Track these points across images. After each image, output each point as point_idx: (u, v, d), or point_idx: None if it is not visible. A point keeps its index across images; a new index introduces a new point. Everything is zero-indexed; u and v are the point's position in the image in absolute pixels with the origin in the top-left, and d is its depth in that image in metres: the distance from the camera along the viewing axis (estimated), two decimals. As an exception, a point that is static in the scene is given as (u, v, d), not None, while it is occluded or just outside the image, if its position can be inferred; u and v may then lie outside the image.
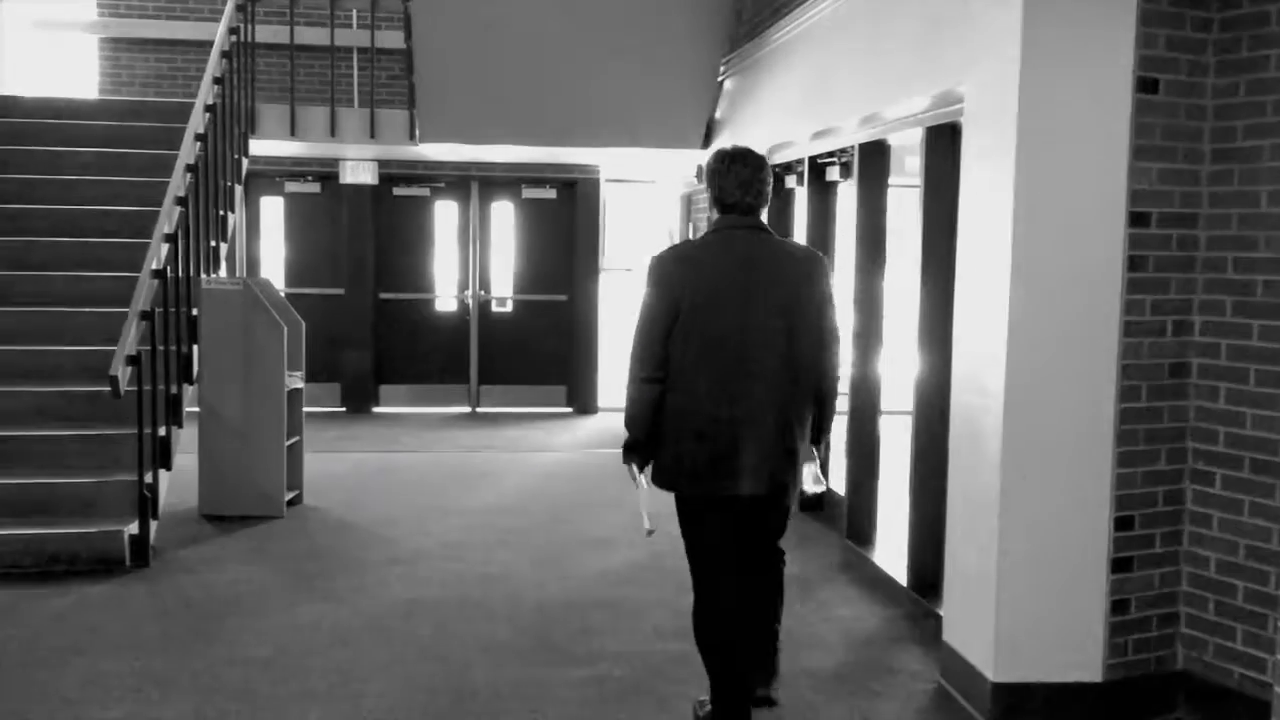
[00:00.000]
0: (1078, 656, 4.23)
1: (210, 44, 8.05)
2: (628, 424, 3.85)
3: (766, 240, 3.84)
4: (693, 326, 3.71)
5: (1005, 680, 4.20)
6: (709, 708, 3.97)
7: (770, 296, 3.75)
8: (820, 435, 3.95)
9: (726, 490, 3.73)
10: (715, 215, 3.87)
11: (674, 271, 3.77)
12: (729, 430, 3.69)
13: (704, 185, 4.28)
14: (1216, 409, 4.21)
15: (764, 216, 3.87)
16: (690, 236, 9.83)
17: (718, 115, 8.79)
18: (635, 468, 3.91)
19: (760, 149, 7.59)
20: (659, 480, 3.88)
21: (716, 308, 3.72)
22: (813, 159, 7.21)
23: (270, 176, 11.16)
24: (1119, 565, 4.23)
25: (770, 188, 3.93)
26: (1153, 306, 4.21)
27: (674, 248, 3.98)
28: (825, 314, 3.85)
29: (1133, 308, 4.17)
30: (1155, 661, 4.32)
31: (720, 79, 8.69)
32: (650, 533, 3.98)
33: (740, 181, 3.80)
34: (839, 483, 6.81)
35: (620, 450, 3.91)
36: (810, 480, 3.89)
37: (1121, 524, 4.22)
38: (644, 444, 3.85)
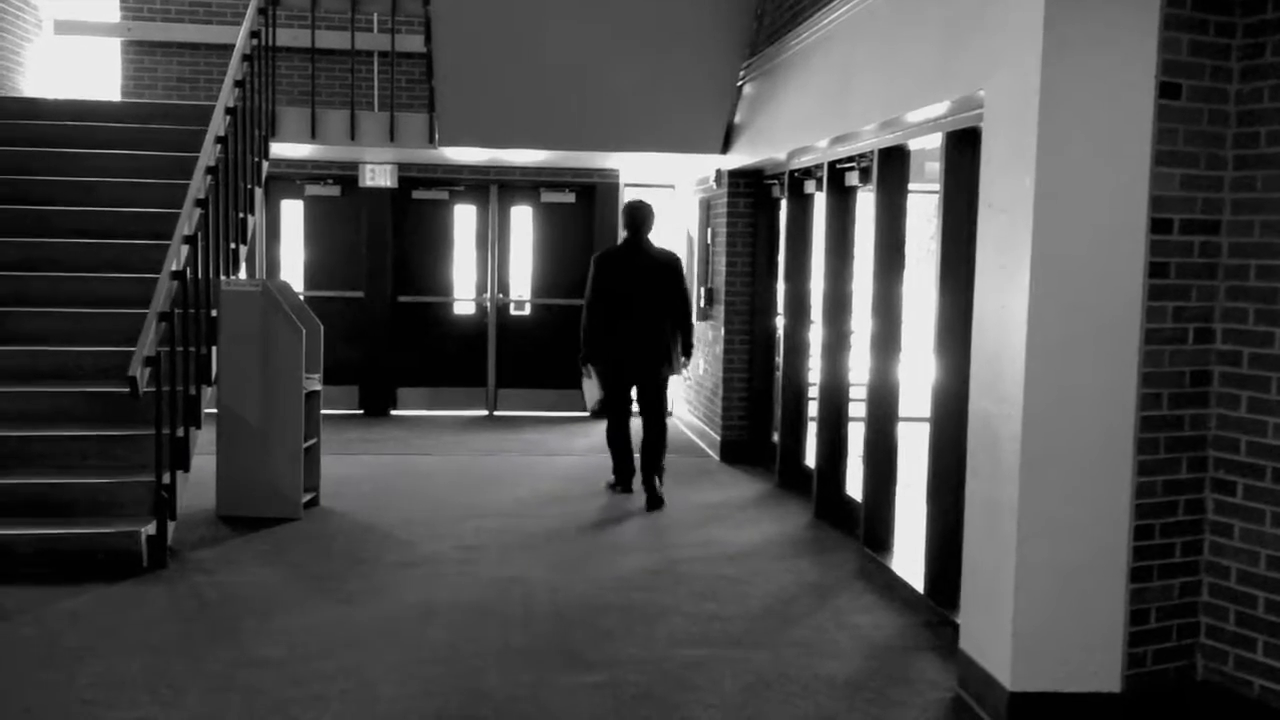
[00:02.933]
0: (1096, 666, 4.19)
1: (232, 47, 8.09)
2: (584, 345, 7.57)
3: (647, 250, 7.55)
4: (611, 298, 7.46)
5: (1023, 690, 4.17)
6: (612, 478, 7.98)
7: (648, 281, 7.47)
8: (687, 349, 7.73)
9: (627, 373, 7.55)
10: (623, 234, 7.71)
11: (602, 267, 7.53)
12: (628, 349, 7.49)
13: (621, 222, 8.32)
14: (1238, 417, 4.17)
15: (650, 235, 7.59)
16: (708, 241, 9.82)
17: (737, 120, 8.77)
18: (589, 367, 7.59)
19: (779, 154, 7.69)
20: (599, 371, 7.56)
21: (621, 288, 7.46)
22: (832, 164, 7.18)
23: (290, 179, 11.21)
24: (1138, 575, 4.19)
25: (650, 221, 7.59)
26: (1174, 314, 4.17)
27: (604, 252, 7.67)
28: (680, 290, 7.56)
29: (1154, 315, 4.14)
30: (1175, 672, 4.28)
31: (739, 84, 8.68)
32: (593, 410, 7.78)
33: (632, 221, 7.58)
34: (856, 489, 6.79)
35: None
36: (679, 368, 7.70)
37: (1141, 533, 4.18)
38: (590, 356, 7.55)
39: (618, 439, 7.76)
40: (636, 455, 7.77)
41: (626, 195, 11.67)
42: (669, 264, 7.53)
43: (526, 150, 9.59)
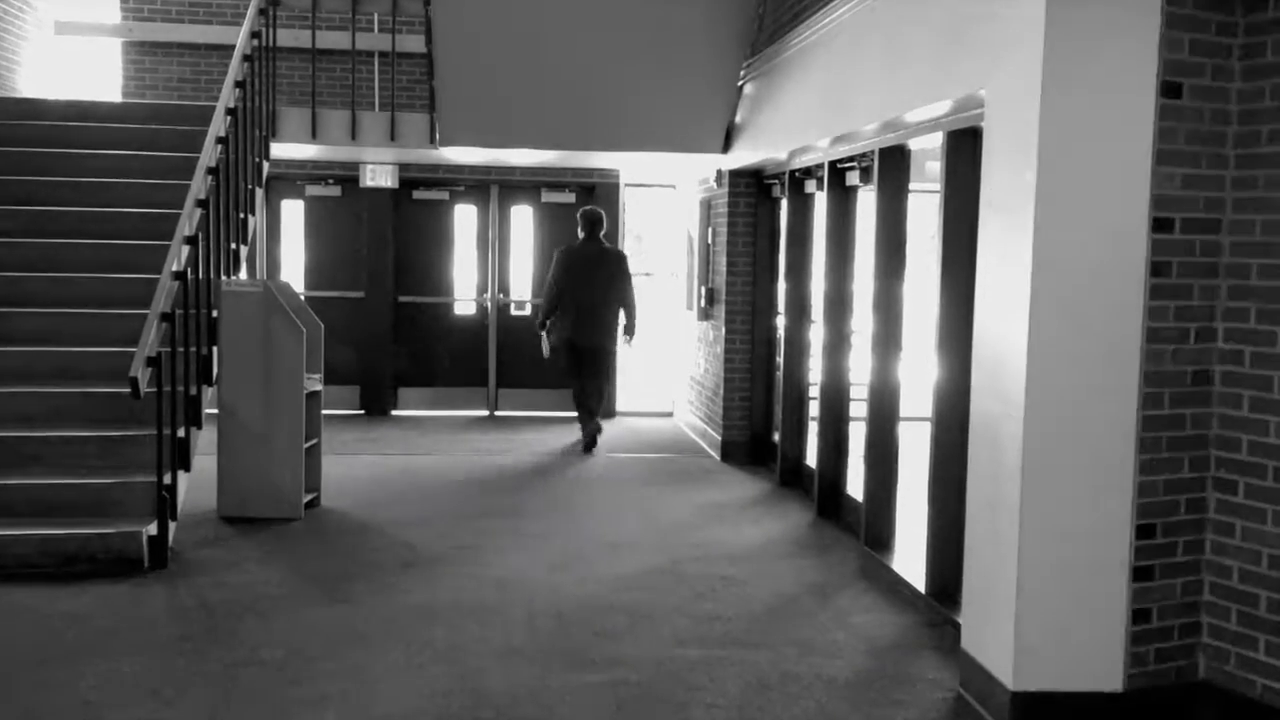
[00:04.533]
0: (1098, 666, 4.19)
1: (232, 48, 8.08)
2: (542, 316, 9.49)
3: (598, 246, 9.44)
4: (566, 284, 9.29)
5: (1025, 689, 4.17)
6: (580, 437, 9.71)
7: (598, 272, 9.31)
8: (630, 329, 9.57)
9: (578, 345, 9.32)
10: (581, 232, 9.52)
11: (563, 259, 9.38)
12: (580, 327, 9.27)
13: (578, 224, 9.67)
14: (1240, 417, 4.16)
15: (602, 233, 9.50)
16: (709, 241, 9.83)
17: (737, 120, 8.77)
18: (544, 333, 9.48)
19: (780, 153, 7.70)
20: (555, 339, 9.41)
21: (576, 276, 9.29)
22: (833, 164, 7.18)
23: (291, 179, 11.21)
24: (1140, 574, 4.19)
25: (603, 223, 9.50)
26: (1176, 313, 4.17)
27: (566, 247, 9.53)
28: (626, 280, 9.44)
29: (1155, 314, 4.13)
30: (1176, 672, 4.28)
31: (740, 83, 8.68)
32: (547, 357, 9.65)
33: (589, 222, 9.44)
34: (857, 489, 6.79)
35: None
36: (622, 343, 9.67)
37: (1143, 532, 4.18)
38: (544, 324, 9.47)
39: (576, 394, 9.63)
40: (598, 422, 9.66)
41: (627, 195, 11.70)
42: (618, 258, 9.55)
43: (527, 150, 9.58)
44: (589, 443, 9.53)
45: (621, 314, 9.51)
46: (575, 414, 9.87)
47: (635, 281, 9.65)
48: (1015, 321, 4.18)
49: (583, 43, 8.56)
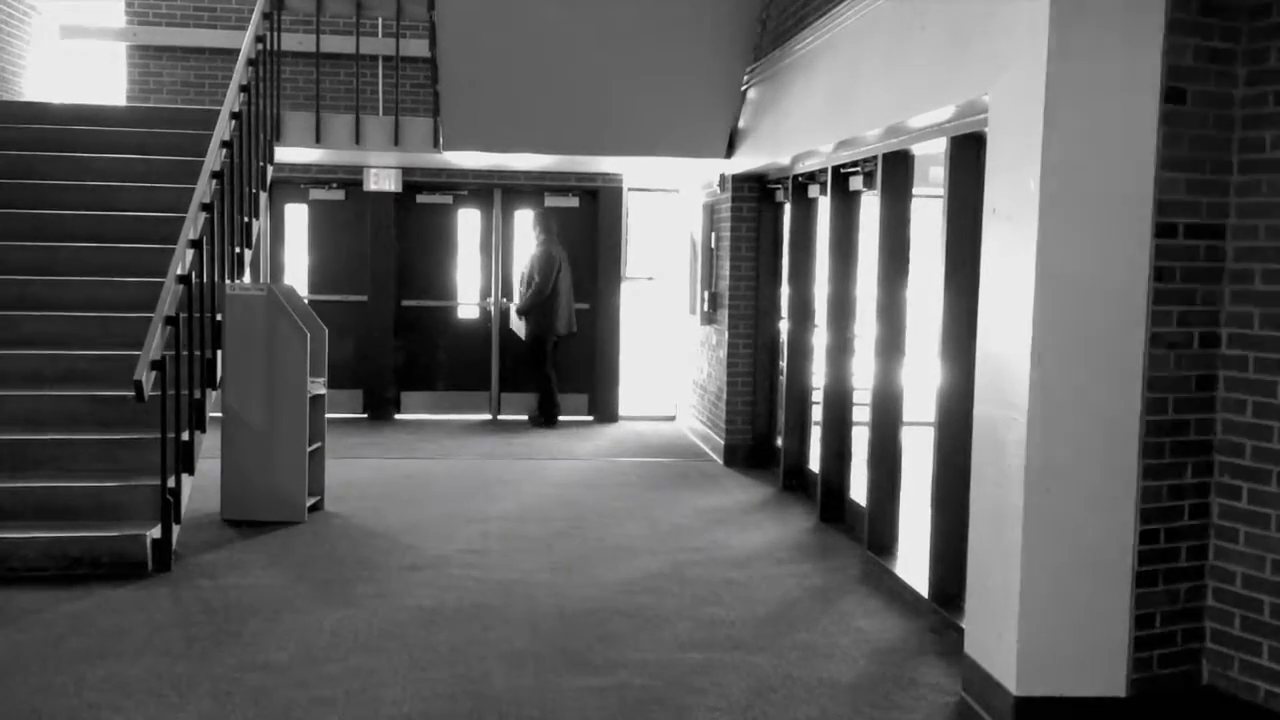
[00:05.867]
0: (1101, 671, 4.19)
1: (237, 52, 8.10)
2: (530, 306, 10.75)
3: (559, 246, 10.85)
4: (555, 282, 10.75)
5: (1028, 694, 4.17)
6: (537, 413, 11.18)
7: (565, 268, 10.81)
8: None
9: (560, 331, 10.89)
10: (543, 234, 10.86)
11: (551, 260, 10.66)
12: (563, 315, 10.86)
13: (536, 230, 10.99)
14: (1243, 422, 4.17)
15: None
16: (712, 245, 9.85)
17: (740, 124, 8.78)
18: (523, 320, 10.83)
19: (783, 158, 7.72)
20: (534, 328, 10.80)
21: (559, 273, 10.76)
22: (836, 169, 7.19)
23: (295, 184, 11.22)
24: (1144, 579, 4.19)
25: (553, 225, 10.93)
26: (1179, 318, 4.17)
27: (547, 250, 10.72)
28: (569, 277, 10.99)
29: (1159, 319, 4.14)
30: (1180, 677, 4.28)
31: (743, 88, 8.69)
32: (518, 332, 10.98)
33: (547, 224, 10.87)
34: (860, 494, 6.79)
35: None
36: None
37: (1146, 537, 4.18)
38: (526, 312, 10.84)
39: (553, 383, 11.03)
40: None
41: (630, 199, 11.71)
42: (566, 256, 10.98)
43: (530, 155, 9.59)
44: (553, 418, 11.07)
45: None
46: (543, 400, 11.08)
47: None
48: (1019, 326, 4.18)
49: (586, 48, 8.57)
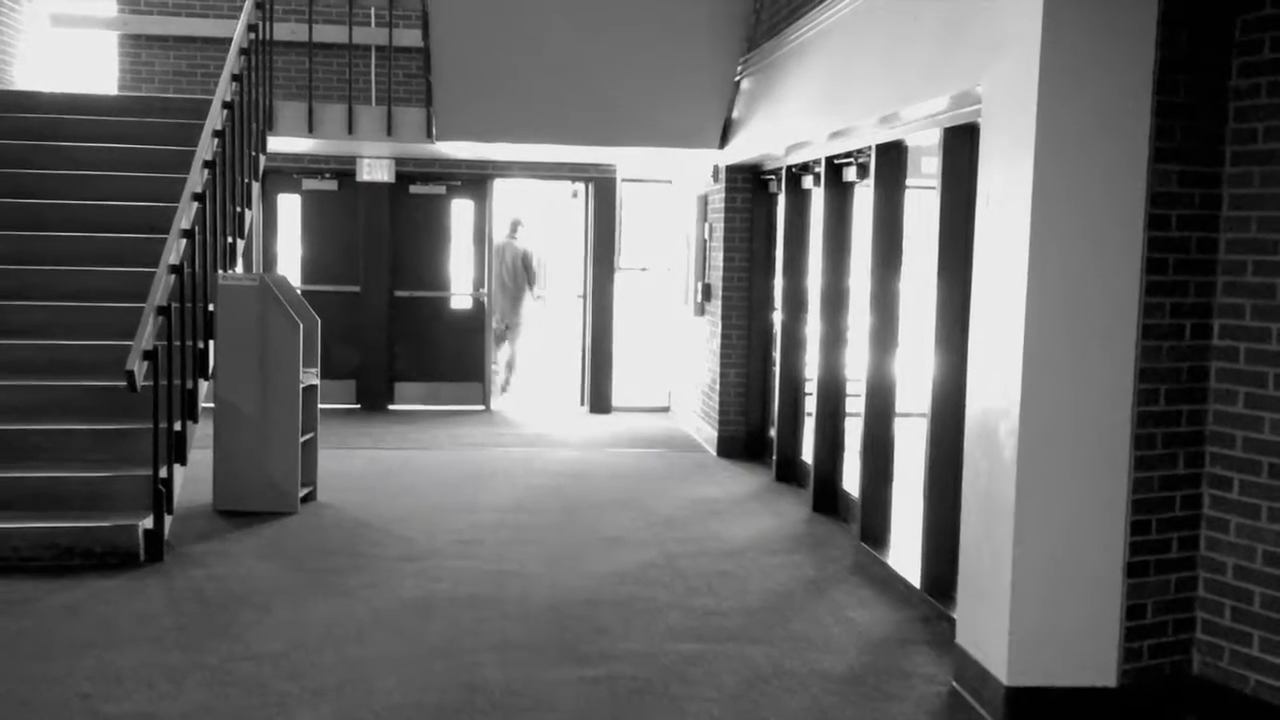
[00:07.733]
0: (1092, 661, 4.21)
1: (229, 41, 8.07)
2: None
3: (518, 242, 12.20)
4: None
5: (1019, 684, 4.18)
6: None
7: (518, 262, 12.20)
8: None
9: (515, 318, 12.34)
10: (508, 231, 11.92)
11: (526, 256, 12.20)
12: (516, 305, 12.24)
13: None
14: (1235, 413, 4.18)
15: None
16: (706, 236, 9.84)
17: (734, 115, 8.78)
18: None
19: (777, 149, 7.71)
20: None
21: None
22: (830, 159, 7.19)
23: (288, 174, 11.19)
24: (1135, 570, 4.20)
25: (520, 225, 12.06)
26: (1171, 309, 4.18)
27: (525, 250, 12.13)
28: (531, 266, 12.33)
29: (1151, 310, 4.15)
30: (1170, 667, 4.30)
31: (737, 79, 8.68)
32: (502, 329, 12.04)
33: (510, 226, 11.89)
34: (853, 484, 6.80)
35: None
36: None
37: (1138, 528, 4.19)
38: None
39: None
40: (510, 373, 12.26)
41: (624, 190, 11.71)
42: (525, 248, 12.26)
43: (523, 145, 9.58)
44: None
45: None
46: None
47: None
48: (1011, 317, 4.19)
49: (580, 38, 8.56)
